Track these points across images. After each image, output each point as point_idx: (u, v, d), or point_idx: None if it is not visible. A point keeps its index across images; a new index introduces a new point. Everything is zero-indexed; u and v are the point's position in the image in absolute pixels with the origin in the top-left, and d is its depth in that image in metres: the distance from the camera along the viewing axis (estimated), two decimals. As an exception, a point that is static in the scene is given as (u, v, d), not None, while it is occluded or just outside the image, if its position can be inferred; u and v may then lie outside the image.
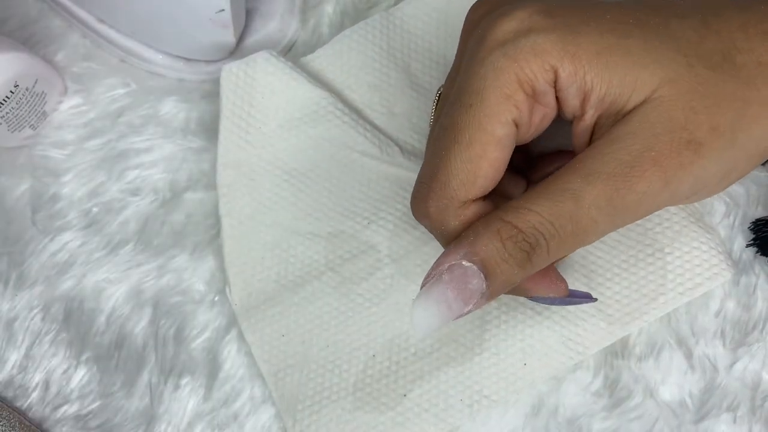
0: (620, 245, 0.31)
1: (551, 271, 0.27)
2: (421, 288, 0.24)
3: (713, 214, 0.33)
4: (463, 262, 0.23)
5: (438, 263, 0.24)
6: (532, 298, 0.27)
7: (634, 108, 0.23)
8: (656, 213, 0.31)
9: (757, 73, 0.24)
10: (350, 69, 0.36)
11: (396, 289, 0.32)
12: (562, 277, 0.27)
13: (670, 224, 0.31)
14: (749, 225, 0.33)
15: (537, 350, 0.30)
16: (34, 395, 0.33)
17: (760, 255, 0.32)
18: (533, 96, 0.24)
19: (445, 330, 0.31)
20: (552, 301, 0.27)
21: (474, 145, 0.24)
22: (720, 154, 0.23)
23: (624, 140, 0.23)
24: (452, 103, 0.25)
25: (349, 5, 0.39)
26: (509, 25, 0.24)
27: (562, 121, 0.31)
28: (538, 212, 0.23)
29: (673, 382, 0.31)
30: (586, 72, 0.23)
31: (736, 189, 0.33)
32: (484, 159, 0.24)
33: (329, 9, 0.39)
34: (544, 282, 0.26)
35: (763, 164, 0.32)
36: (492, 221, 0.23)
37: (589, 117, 0.24)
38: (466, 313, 0.23)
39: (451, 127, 0.24)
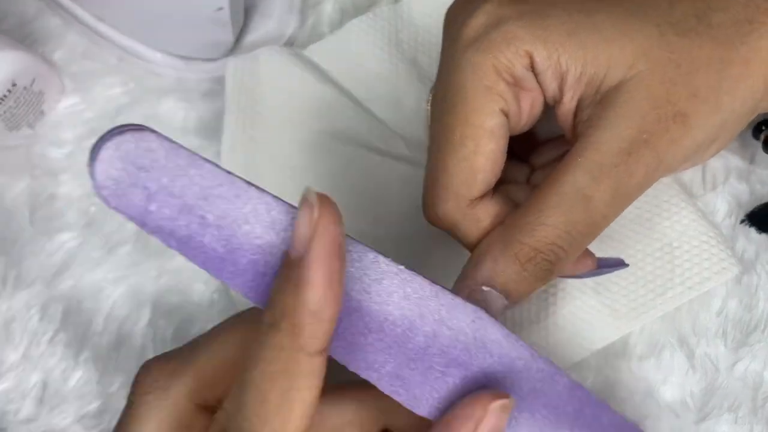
0: (628, 240, 0.31)
1: None
2: None
3: (715, 214, 0.33)
4: (483, 288, 0.23)
5: (458, 288, 0.24)
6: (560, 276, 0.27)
7: (616, 86, 0.23)
8: (664, 208, 0.31)
9: (734, 32, 0.23)
10: (358, 58, 0.36)
11: None
12: (589, 251, 0.26)
13: (678, 218, 0.31)
14: (742, 218, 0.32)
15: (543, 347, 0.30)
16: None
17: (758, 232, 0.32)
18: (515, 83, 0.24)
19: None
20: (583, 275, 0.27)
21: (466, 142, 0.24)
22: (707, 121, 0.23)
23: (617, 126, 0.23)
24: (440, 107, 0.25)
25: (349, 4, 0.38)
26: (479, 20, 0.24)
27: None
28: (554, 225, 0.23)
29: (674, 382, 0.31)
30: (560, 54, 0.23)
31: (738, 188, 0.33)
32: (478, 153, 0.24)
33: (328, 8, 0.38)
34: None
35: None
36: (509, 244, 0.23)
37: (569, 100, 0.24)
38: None
39: (442, 129, 0.25)
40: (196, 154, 0.18)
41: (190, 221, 0.18)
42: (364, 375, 0.20)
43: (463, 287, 0.24)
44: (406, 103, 0.35)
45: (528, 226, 0.23)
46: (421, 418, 0.21)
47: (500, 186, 0.26)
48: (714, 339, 0.31)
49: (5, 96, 0.33)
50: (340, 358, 0.20)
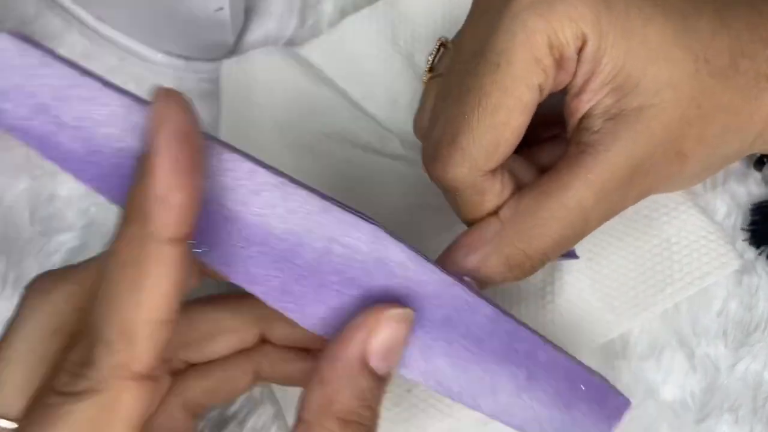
0: (626, 236, 0.31)
1: None
2: None
3: (714, 214, 0.33)
4: (465, 278, 0.24)
5: (445, 260, 0.24)
6: None
7: (637, 108, 0.23)
8: (663, 203, 0.31)
9: (753, 84, 0.24)
10: (353, 57, 0.36)
11: None
12: None
13: (677, 214, 0.31)
14: (750, 206, 0.32)
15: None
16: (33, 396, 0.33)
17: (750, 244, 0.32)
18: (559, 61, 0.23)
19: None
20: None
21: (499, 111, 0.23)
22: (700, 163, 0.25)
23: (628, 152, 0.23)
24: (473, 60, 0.23)
25: (349, 4, 0.38)
26: None
27: None
28: (552, 238, 0.23)
29: (674, 382, 0.31)
30: (607, 52, 0.23)
31: (737, 189, 0.33)
32: (507, 126, 0.23)
33: (328, 8, 0.38)
34: None
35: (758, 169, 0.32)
36: (503, 244, 0.24)
37: (587, 99, 0.24)
38: None
39: (475, 88, 0.23)
40: (51, 53, 0.18)
41: (45, 121, 0.18)
42: (249, 288, 0.20)
43: (446, 267, 0.24)
44: (401, 102, 0.35)
45: (529, 233, 0.24)
46: (303, 331, 0.21)
47: None
48: (714, 339, 0.31)
49: (5, 96, 0.33)
50: (221, 269, 0.20)
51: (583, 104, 0.24)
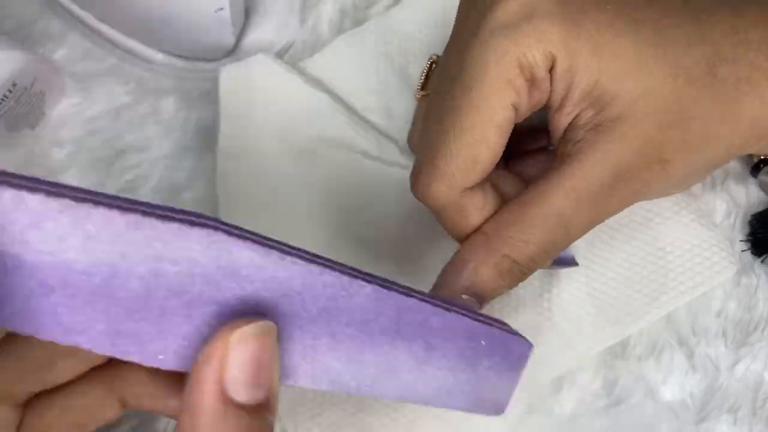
0: (622, 245, 0.31)
1: None
2: None
3: (714, 214, 0.33)
4: (463, 296, 0.24)
5: (441, 286, 0.25)
6: None
7: (615, 118, 0.23)
8: (658, 213, 0.31)
9: (734, 89, 0.24)
10: (347, 75, 0.36)
11: None
12: None
13: (671, 223, 0.31)
14: (749, 218, 0.32)
15: (539, 352, 0.30)
16: (33, 395, 0.33)
17: (752, 254, 0.32)
18: (531, 81, 0.24)
19: None
20: None
21: (474, 130, 0.24)
22: (683, 169, 0.25)
23: (606, 160, 0.24)
24: (451, 83, 0.24)
25: (349, 4, 0.38)
26: (511, 5, 0.23)
27: None
28: (536, 244, 0.24)
29: (674, 382, 0.31)
30: (579, 69, 0.23)
31: (737, 189, 0.33)
32: (483, 144, 0.24)
33: (329, 8, 0.38)
34: None
35: (754, 174, 0.32)
36: (491, 254, 0.24)
37: (567, 112, 0.24)
38: None
39: (451, 110, 0.24)
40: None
41: None
42: (68, 341, 0.16)
43: (444, 294, 0.25)
44: (395, 114, 0.35)
45: (511, 240, 0.24)
46: (158, 383, 0.19)
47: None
48: (714, 339, 0.31)
49: (6, 97, 0.33)
50: (23, 328, 0.16)
51: (565, 117, 0.24)
